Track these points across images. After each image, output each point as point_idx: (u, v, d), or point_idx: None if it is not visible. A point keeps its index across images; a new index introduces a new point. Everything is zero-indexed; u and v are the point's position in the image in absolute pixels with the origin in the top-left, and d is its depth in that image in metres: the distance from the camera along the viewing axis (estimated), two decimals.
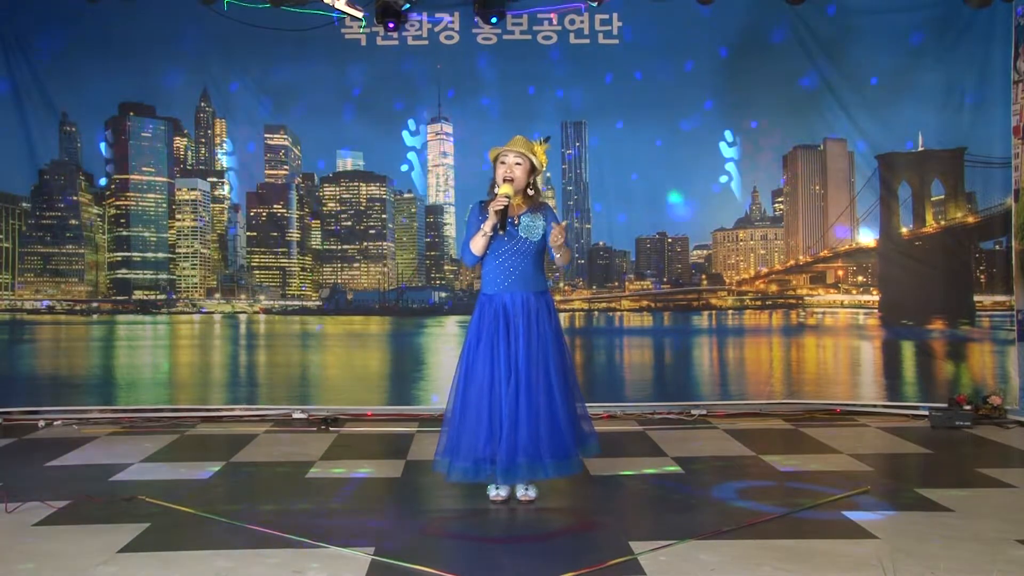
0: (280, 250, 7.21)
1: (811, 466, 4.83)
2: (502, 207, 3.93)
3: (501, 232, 3.98)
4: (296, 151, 7.19)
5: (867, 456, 5.09)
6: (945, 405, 6.27)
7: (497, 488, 4.07)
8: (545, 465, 3.94)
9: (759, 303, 7.09)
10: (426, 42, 6.76)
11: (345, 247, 7.25)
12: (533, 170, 4.10)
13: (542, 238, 4.08)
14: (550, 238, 4.01)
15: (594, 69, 6.75)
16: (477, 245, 4.04)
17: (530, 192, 4.11)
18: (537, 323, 4.02)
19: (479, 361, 3.99)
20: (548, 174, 6.76)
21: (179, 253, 7.14)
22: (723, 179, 6.91)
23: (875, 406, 6.60)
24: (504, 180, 4.02)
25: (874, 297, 6.94)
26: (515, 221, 4.06)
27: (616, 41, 6.73)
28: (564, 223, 4.11)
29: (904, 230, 6.82)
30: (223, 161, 7.15)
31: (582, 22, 6.73)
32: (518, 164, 4.05)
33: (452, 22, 6.75)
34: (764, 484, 4.43)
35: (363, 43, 6.74)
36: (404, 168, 7.09)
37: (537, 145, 4.13)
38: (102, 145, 6.95)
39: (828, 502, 4.00)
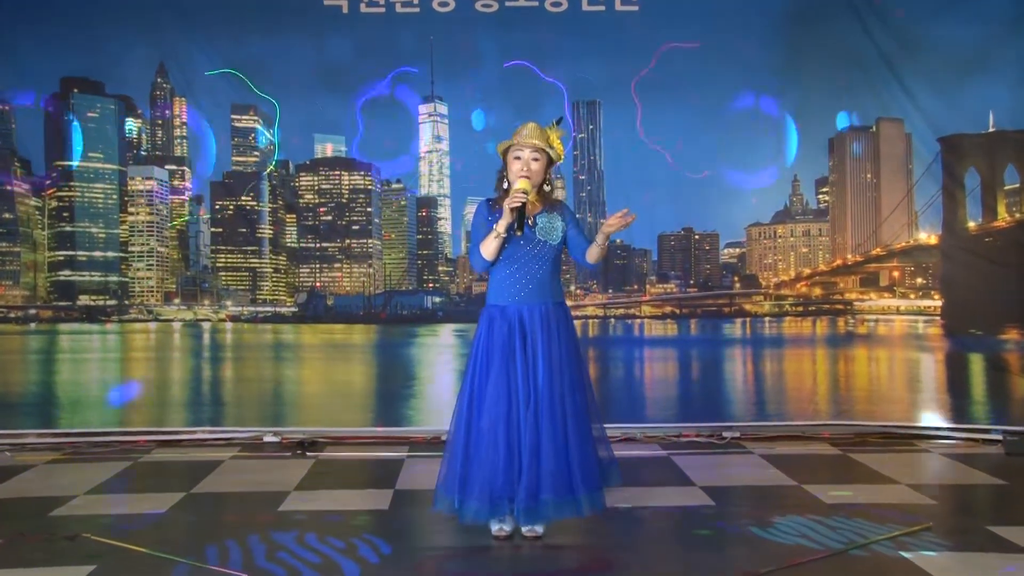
0: (250, 248, 7.21)
1: (863, 498, 4.79)
2: (519, 204, 3.89)
3: (518, 233, 3.95)
4: (268, 134, 7.19)
5: (929, 487, 5.06)
6: (1022, 428, 6.23)
7: (500, 522, 4.03)
8: (578, 500, 3.88)
9: (801, 309, 7.09)
10: (417, 9, 6.72)
11: (325, 245, 7.24)
12: (550, 163, 4.08)
13: (561, 241, 4.05)
14: (605, 226, 3.90)
15: (610, 41, 6.72)
16: (489, 248, 3.98)
17: (546, 187, 4.09)
18: (558, 337, 3.98)
19: (491, 383, 3.92)
20: None
21: (132, 252, 7.14)
22: (759, 166, 6.87)
23: (938, 429, 6.55)
24: (520, 176, 3.99)
25: (936, 302, 6.92)
26: (531, 222, 4.02)
27: (635, 8, 6.70)
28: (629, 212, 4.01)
29: (971, 224, 6.80)
30: (183, 146, 7.15)
31: None
32: (535, 160, 4.02)
33: None
34: (808, 519, 4.40)
35: (344, 10, 6.71)
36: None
37: (551, 131, 4.08)
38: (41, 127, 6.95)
39: (883, 540, 3.96)
